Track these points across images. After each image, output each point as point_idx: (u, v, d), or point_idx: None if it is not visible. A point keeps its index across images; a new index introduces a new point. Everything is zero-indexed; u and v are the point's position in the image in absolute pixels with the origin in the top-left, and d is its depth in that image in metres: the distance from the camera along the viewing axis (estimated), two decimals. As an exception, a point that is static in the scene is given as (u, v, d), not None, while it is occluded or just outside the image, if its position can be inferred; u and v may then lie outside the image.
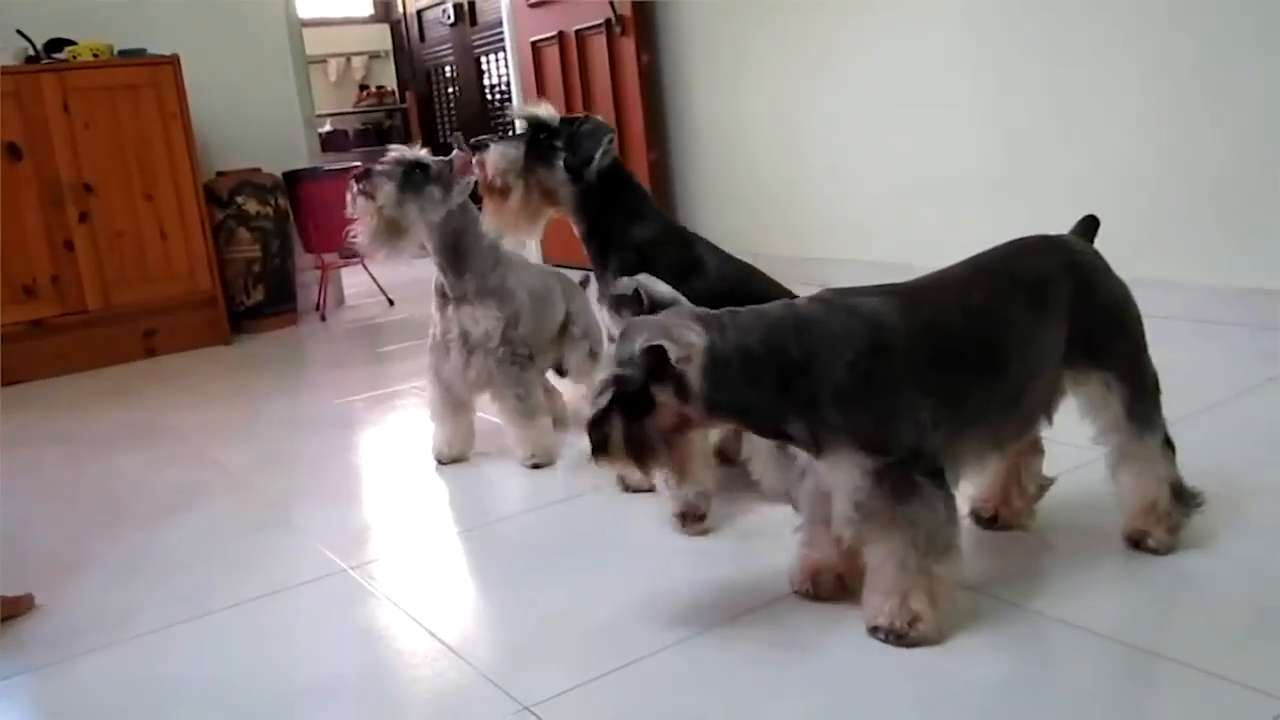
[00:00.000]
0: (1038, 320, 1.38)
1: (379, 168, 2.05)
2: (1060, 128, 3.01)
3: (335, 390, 3.14)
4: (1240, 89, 2.64)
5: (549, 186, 1.77)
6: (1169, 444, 1.47)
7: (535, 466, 2.14)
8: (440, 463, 2.24)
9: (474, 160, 1.80)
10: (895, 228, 3.57)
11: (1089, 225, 1.54)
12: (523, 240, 1.82)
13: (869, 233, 3.68)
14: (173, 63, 3.75)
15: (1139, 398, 1.44)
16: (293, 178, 4.31)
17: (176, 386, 3.32)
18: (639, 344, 1.21)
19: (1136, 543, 1.47)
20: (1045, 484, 1.61)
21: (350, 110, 7.36)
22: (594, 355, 2.37)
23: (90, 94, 3.64)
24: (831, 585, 1.43)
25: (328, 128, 7.02)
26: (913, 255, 3.40)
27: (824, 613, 1.40)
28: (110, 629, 1.57)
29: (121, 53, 3.79)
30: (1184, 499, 1.47)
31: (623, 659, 1.32)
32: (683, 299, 1.33)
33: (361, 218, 2.06)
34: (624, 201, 1.77)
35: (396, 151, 2.08)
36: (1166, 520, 1.46)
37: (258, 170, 4.19)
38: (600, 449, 1.26)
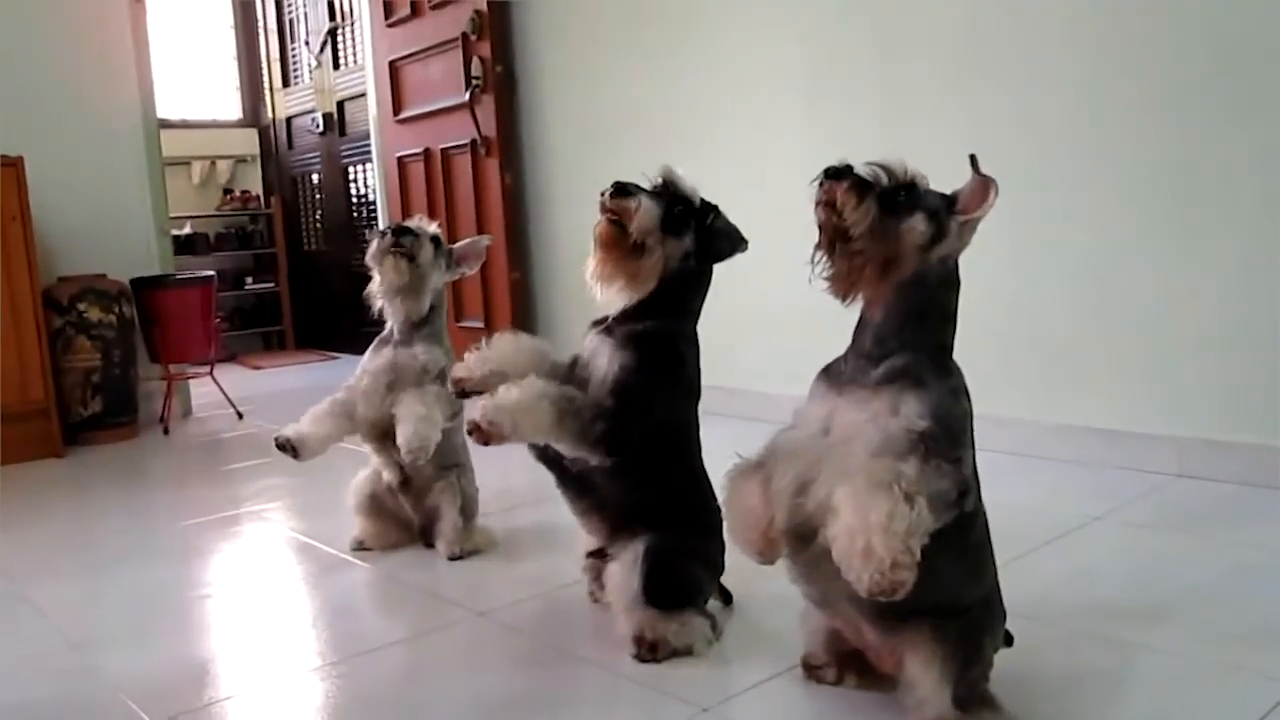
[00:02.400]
0: None
1: (417, 231, 2.32)
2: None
3: (173, 512, 2.99)
4: (1067, 241, 2.81)
5: (669, 254, 1.73)
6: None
7: (411, 459, 2.18)
8: (279, 445, 2.22)
9: (611, 203, 1.70)
10: (751, 354, 3.64)
11: None
12: (621, 299, 1.75)
13: (726, 358, 3.74)
14: (16, 164, 3.61)
15: None
16: (142, 285, 4.17)
17: (-3, 505, 3.13)
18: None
19: None
20: None
21: (213, 214, 7.21)
22: (465, 516, 2.38)
23: (-77, 194, 3.48)
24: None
25: (187, 230, 6.85)
26: (767, 383, 3.49)
27: None
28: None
29: (-39, 153, 3.64)
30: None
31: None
32: None
33: (390, 273, 2.29)
34: (698, 294, 1.81)
35: (419, 221, 2.36)
36: None
37: (103, 276, 4.04)
38: (843, 179, 1.30)
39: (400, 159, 5.02)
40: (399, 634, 1.94)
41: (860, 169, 1.34)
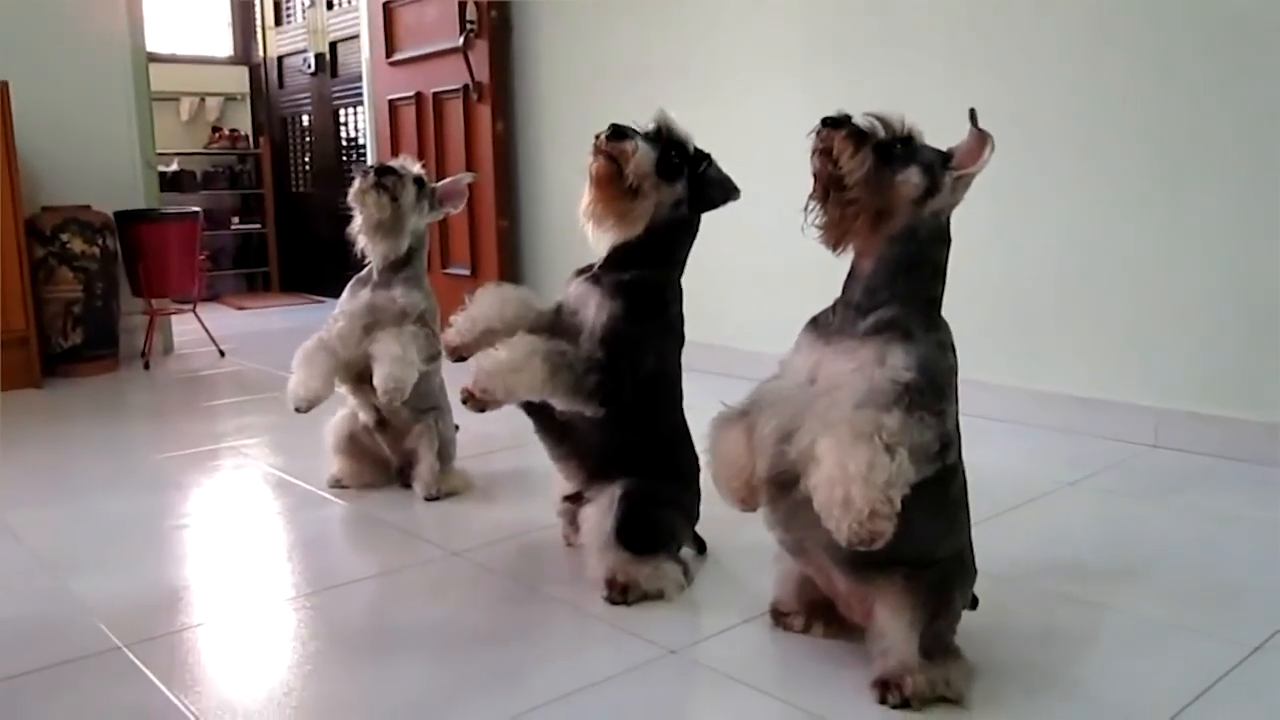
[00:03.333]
0: None
1: (400, 171, 2.29)
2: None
3: (152, 445, 2.98)
4: (1051, 212, 2.81)
5: (662, 200, 1.73)
6: None
7: (388, 399, 2.16)
8: (298, 409, 2.18)
9: (607, 145, 1.69)
10: (733, 311, 3.64)
11: None
12: (609, 240, 1.76)
13: (708, 315, 3.74)
14: (1, 90, 3.56)
15: None
16: (126, 218, 4.14)
17: (-26, 432, 3.12)
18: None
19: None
20: None
21: (201, 151, 7.14)
22: (442, 459, 2.37)
23: (-95, 116, 3.43)
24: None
25: (174, 167, 6.78)
26: (746, 340, 3.49)
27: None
28: None
29: (-55, 75, 3.59)
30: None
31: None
32: None
33: (371, 210, 2.26)
34: (686, 241, 1.80)
35: (403, 162, 2.34)
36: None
37: (87, 208, 4.00)
38: (840, 127, 1.31)
39: (391, 102, 4.96)
40: (372, 569, 1.94)
41: (858, 119, 1.34)
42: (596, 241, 1.75)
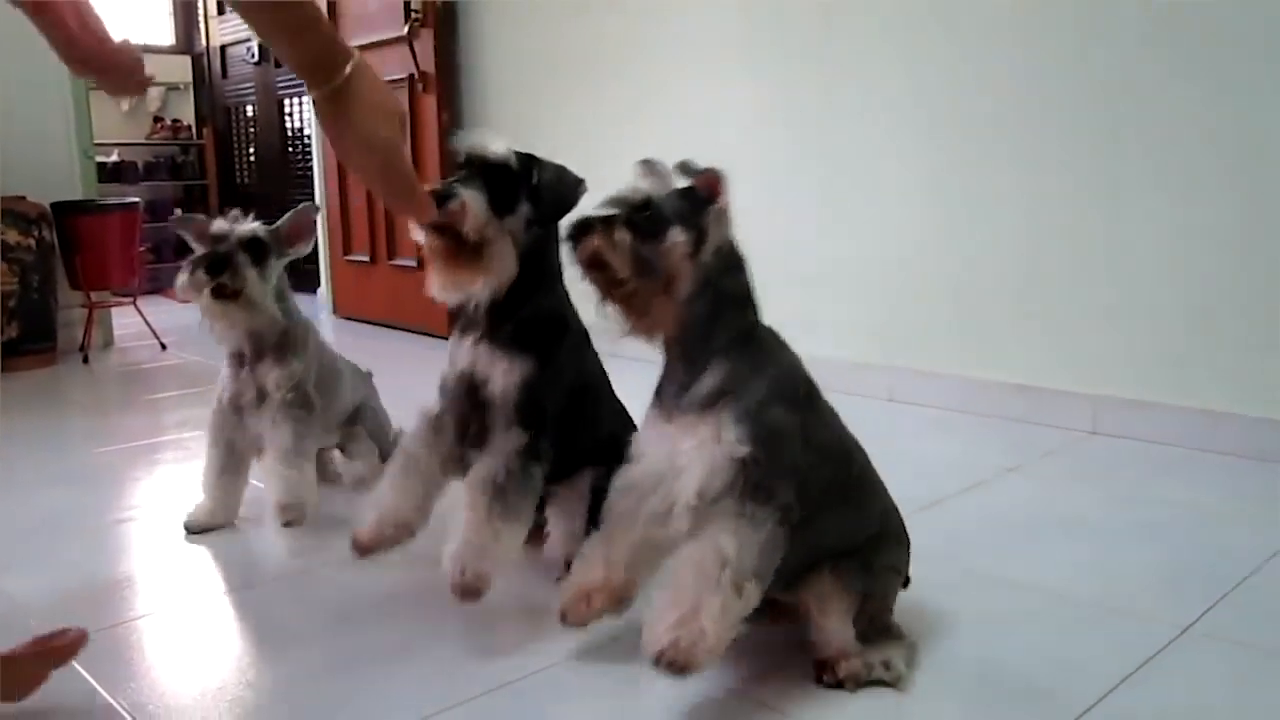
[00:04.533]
0: None
1: (232, 256, 1.93)
2: (842, 223, 3.16)
3: (91, 439, 2.93)
4: (992, 200, 2.85)
5: (512, 233, 1.58)
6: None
7: (287, 524, 1.98)
8: (190, 531, 2.07)
9: (435, 219, 1.48)
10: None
11: None
12: (486, 293, 1.59)
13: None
14: (-69, 78, 3.48)
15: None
16: (63, 209, 4.06)
17: (-95, 428, 3.04)
18: (677, 180, 1.27)
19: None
20: None
21: (142, 142, 7.01)
22: (382, 454, 2.32)
23: None
24: (605, 603, 1.39)
25: (115, 158, 6.67)
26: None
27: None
28: None
29: (-128, 62, 3.50)
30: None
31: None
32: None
33: (215, 317, 1.96)
34: (554, 254, 1.64)
35: (231, 224, 1.98)
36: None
37: (22, 199, 3.92)
38: (589, 232, 1.28)
39: (336, 92, 4.90)
40: (314, 560, 1.92)
41: (596, 211, 1.32)
42: (471, 300, 1.61)
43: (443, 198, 1.49)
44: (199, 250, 1.98)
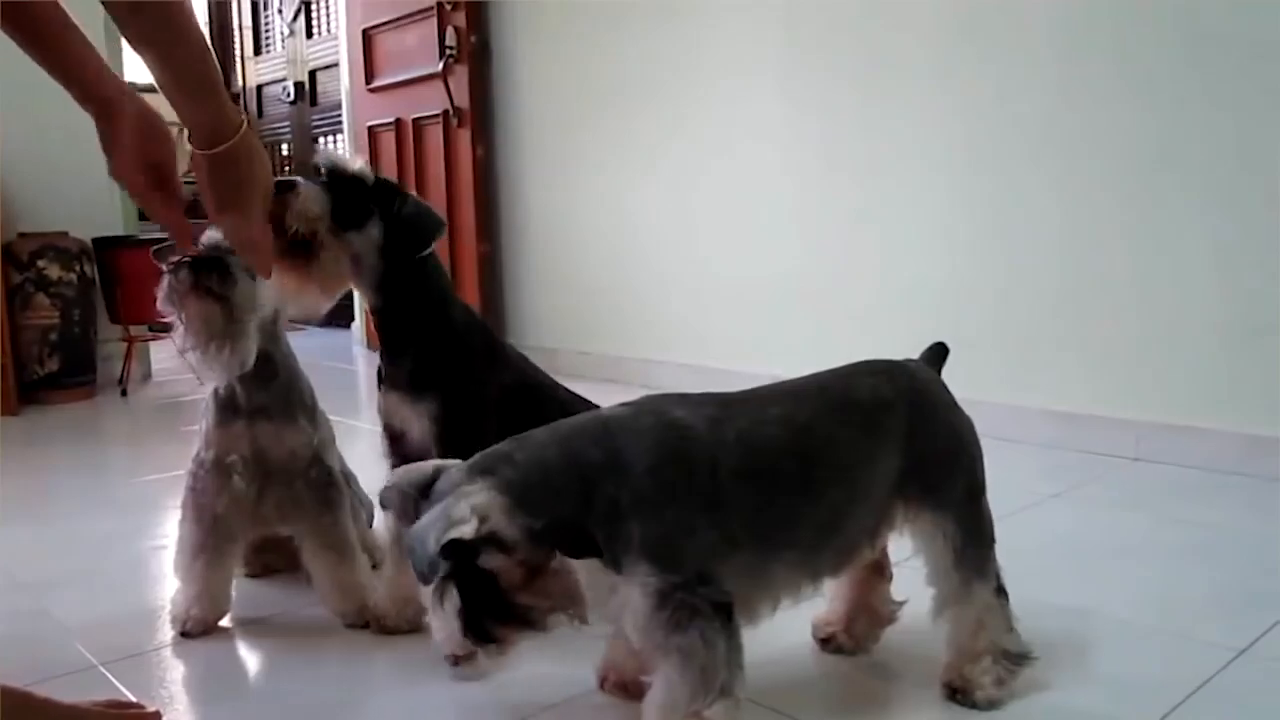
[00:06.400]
0: (866, 445, 1.30)
1: (225, 260, 1.53)
2: (880, 248, 3.15)
3: (129, 468, 2.96)
4: (1033, 224, 2.83)
5: (355, 252, 1.53)
6: (1002, 592, 1.39)
7: (351, 626, 1.70)
8: (184, 634, 1.68)
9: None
10: (719, 332, 3.64)
11: (938, 353, 1.51)
12: (309, 315, 1.55)
13: (693, 336, 3.75)
14: (-22, 116, 3.56)
15: (970, 544, 1.36)
16: (104, 244, 4.12)
17: (-52, 458, 3.08)
18: (433, 548, 1.08)
19: (955, 692, 1.37)
20: (895, 608, 1.53)
21: (181, 180, 7.12)
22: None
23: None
24: (629, 688, 1.36)
25: (152, 196, 6.76)
26: (735, 361, 3.49)
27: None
28: None
29: (-79, 101, 3.57)
30: (1011, 655, 1.38)
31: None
32: (449, 463, 1.19)
33: (194, 322, 1.52)
34: (432, 281, 1.61)
35: (216, 237, 1.56)
36: (992, 673, 1.36)
37: (64, 234, 3.98)
38: (479, 643, 1.13)
39: (371, 128, 4.97)
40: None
41: None
42: (305, 313, 1.58)
43: (282, 186, 1.43)
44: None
